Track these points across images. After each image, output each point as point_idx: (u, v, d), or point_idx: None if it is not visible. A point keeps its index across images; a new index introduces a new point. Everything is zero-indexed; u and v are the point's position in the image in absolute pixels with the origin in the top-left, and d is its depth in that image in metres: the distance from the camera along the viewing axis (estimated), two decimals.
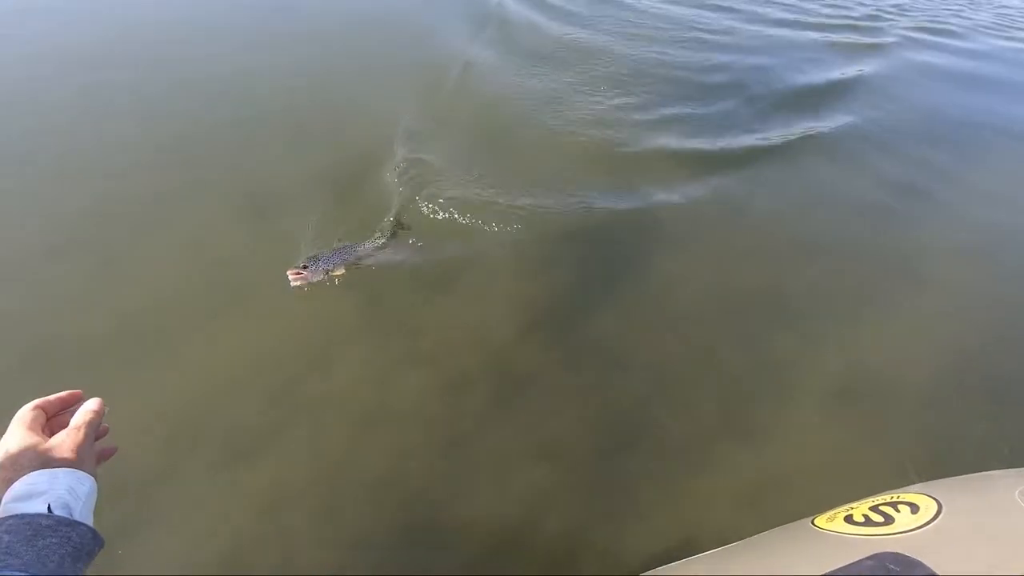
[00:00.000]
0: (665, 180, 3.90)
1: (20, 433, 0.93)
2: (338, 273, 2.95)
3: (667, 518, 2.30)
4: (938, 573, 1.07)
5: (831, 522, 1.40)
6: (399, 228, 3.30)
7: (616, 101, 4.70)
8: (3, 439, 0.93)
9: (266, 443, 2.36)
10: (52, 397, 1.01)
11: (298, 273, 2.80)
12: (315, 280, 2.86)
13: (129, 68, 4.48)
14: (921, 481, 1.56)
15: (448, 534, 2.19)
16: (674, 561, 1.75)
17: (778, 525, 2.20)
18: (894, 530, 1.26)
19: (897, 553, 1.15)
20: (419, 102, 4.35)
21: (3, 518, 0.81)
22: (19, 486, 0.86)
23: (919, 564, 1.10)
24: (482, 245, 3.24)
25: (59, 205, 3.28)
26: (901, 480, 2.43)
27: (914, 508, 1.31)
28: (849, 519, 1.37)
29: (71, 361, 2.60)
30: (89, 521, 0.88)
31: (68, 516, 0.84)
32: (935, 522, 1.23)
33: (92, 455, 0.96)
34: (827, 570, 1.20)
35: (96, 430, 0.99)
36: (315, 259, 2.92)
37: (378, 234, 3.21)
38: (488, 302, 3.02)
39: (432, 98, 4.44)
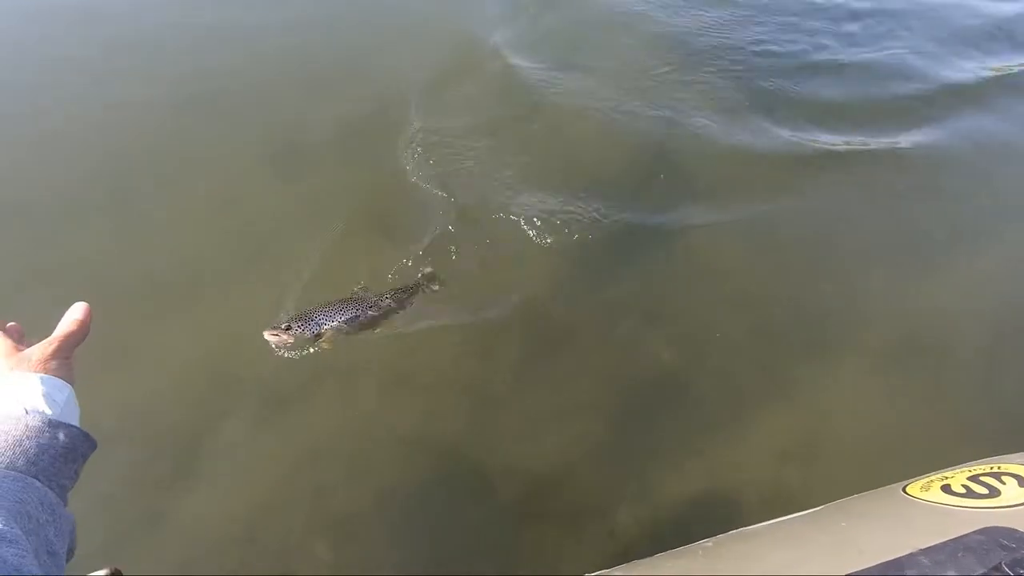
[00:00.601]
0: (752, 182, 3.40)
1: None
2: (326, 342, 2.39)
3: (703, 472, 2.32)
4: None
5: (926, 491, 1.35)
6: (428, 285, 2.67)
7: (698, 84, 4.03)
8: None
9: (300, 398, 2.43)
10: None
11: (275, 333, 2.36)
12: (297, 342, 2.39)
13: (149, 23, 4.35)
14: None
15: (479, 487, 2.25)
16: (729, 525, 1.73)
17: (825, 482, 2.19)
18: (1001, 504, 1.21)
19: (1011, 529, 1.10)
20: (456, 67, 4.06)
21: None
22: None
23: None
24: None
25: (81, 160, 3.32)
26: (960, 441, 2.36)
27: (1021, 480, 1.25)
28: (947, 489, 1.32)
29: (101, 313, 2.58)
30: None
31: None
32: None
33: (68, 366, 0.93)
34: (929, 542, 1.16)
35: (77, 343, 0.96)
36: (304, 318, 2.39)
37: (400, 290, 2.64)
38: (524, 261, 2.96)
39: (473, 63, 4.12)
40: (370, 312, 2.49)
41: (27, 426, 0.80)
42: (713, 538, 1.64)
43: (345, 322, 2.43)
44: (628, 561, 1.98)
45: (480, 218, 3.08)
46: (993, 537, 1.11)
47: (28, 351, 0.90)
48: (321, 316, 2.42)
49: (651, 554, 1.98)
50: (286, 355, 2.43)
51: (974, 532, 1.14)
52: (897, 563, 1.16)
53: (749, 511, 2.21)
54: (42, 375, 0.87)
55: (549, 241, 3.02)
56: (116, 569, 1.37)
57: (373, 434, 2.36)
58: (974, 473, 1.36)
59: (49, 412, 0.83)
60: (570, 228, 3.08)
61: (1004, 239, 3.20)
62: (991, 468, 1.35)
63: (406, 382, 2.50)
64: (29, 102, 3.68)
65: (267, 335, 2.36)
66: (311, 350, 2.44)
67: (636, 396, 2.52)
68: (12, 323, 0.99)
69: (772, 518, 2.09)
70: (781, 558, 1.32)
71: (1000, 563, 1.03)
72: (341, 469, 2.26)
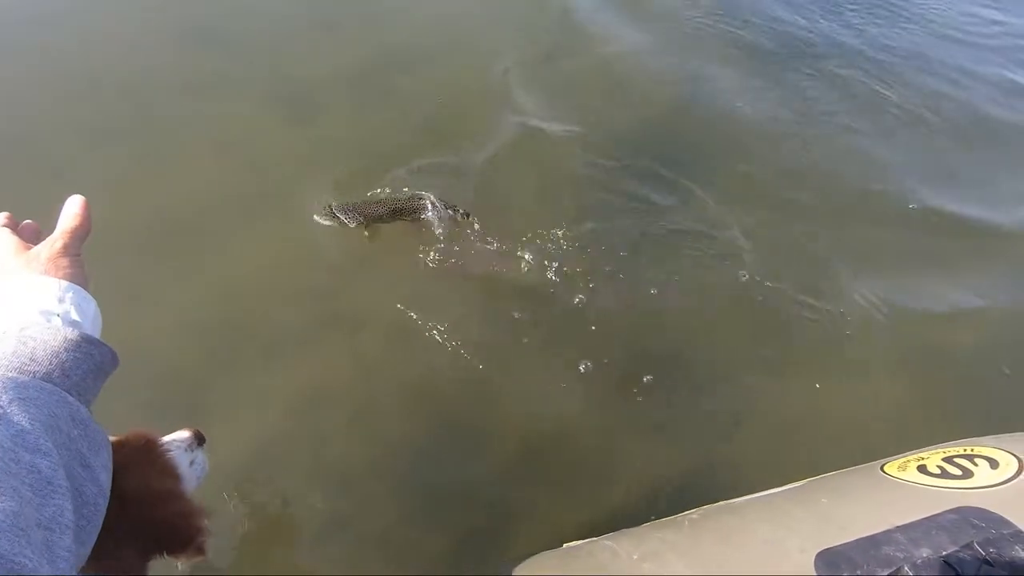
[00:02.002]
0: None
1: (5, 238, 0.87)
2: (366, 230, 2.75)
3: (701, 442, 2.37)
4: None
5: (903, 471, 1.43)
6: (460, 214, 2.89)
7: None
8: None
9: (303, 345, 2.43)
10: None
11: (323, 218, 2.71)
12: (342, 226, 2.73)
13: None
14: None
15: (479, 444, 2.28)
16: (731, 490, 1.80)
17: (807, 455, 2.28)
18: (973, 485, 1.29)
19: (981, 509, 1.18)
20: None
21: (27, 323, 0.77)
22: (23, 292, 0.81)
23: (1005, 522, 1.13)
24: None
25: (88, 95, 3.21)
26: (943, 426, 2.46)
27: (993, 463, 1.33)
28: (923, 469, 1.40)
29: (106, 250, 2.58)
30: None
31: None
32: (1017, 479, 1.26)
33: (80, 264, 0.87)
34: (905, 520, 1.24)
35: (82, 238, 0.90)
36: (348, 209, 2.74)
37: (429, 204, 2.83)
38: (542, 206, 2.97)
39: None
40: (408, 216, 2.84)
41: (65, 338, 0.77)
42: (700, 509, 1.71)
43: (382, 215, 2.78)
44: (618, 526, 2.09)
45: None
46: (965, 516, 1.19)
47: (36, 249, 0.86)
48: (365, 208, 2.77)
49: (645, 518, 2.08)
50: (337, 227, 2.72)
51: (948, 511, 1.22)
52: (874, 539, 1.24)
53: (737, 476, 2.29)
54: (68, 283, 0.83)
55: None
56: (198, 431, 1.38)
57: (375, 386, 2.38)
58: (949, 455, 1.44)
59: (81, 323, 0.81)
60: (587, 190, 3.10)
61: None
62: (964, 450, 1.43)
63: (411, 335, 2.51)
64: (35, 35, 3.49)
65: (316, 218, 2.72)
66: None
67: (629, 361, 2.56)
68: (28, 221, 0.95)
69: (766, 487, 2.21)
70: (766, 533, 1.39)
71: (972, 542, 1.11)
72: (341, 419, 2.28)
